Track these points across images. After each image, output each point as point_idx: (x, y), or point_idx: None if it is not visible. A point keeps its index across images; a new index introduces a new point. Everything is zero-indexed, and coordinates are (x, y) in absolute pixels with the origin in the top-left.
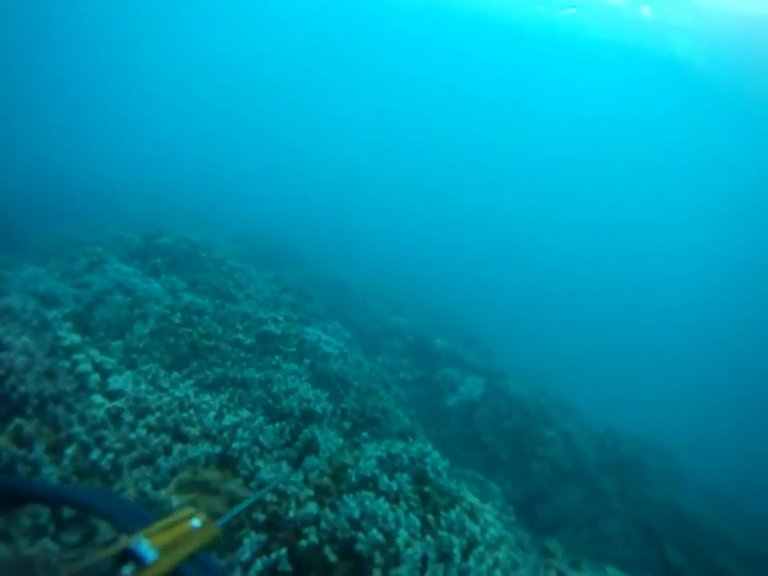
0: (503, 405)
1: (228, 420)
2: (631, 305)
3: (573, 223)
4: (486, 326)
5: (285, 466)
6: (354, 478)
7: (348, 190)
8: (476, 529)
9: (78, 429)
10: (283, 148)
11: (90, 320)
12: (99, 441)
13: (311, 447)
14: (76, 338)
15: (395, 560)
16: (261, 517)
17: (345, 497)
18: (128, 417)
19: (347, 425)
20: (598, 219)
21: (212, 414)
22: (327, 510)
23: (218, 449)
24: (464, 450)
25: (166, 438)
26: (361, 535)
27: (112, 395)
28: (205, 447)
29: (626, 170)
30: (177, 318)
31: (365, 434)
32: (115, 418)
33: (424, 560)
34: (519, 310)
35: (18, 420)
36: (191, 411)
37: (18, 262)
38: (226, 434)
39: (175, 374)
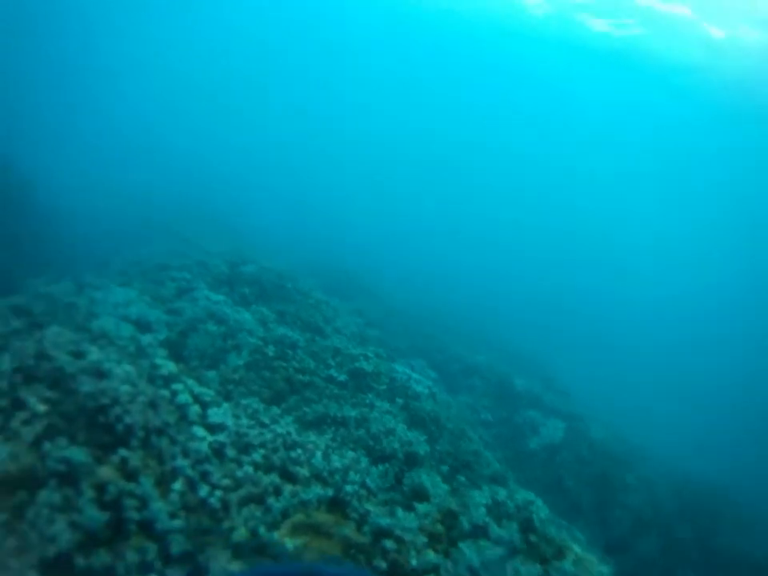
0: (585, 450)
1: (337, 462)
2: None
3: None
4: (549, 352)
5: (400, 512)
6: (466, 526)
7: (394, 213)
8: None
9: (182, 462)
10: (322, 168)
11: (183, 348)
12: (205, 476)
13: (420, 492)
14: (173, 367)
15: None
16: (382, 564)
17: (461, 545)
18: (231, 452)
19: (444, 468)
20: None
21: (319, 453)
22: (447, 559)
23: (329, 491)
24: (545, 494)
25: (275, 478)
26: None
27: (213, 428)
28: (317, 489)
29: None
30: (270, 350)
31: (462, 478)
32: (218, 452)
33: None
34: (571, 332)
35: (123, 451)
36: (299, 451)
37: (105, 283)
38: (338, 477)
39: (275, 409)
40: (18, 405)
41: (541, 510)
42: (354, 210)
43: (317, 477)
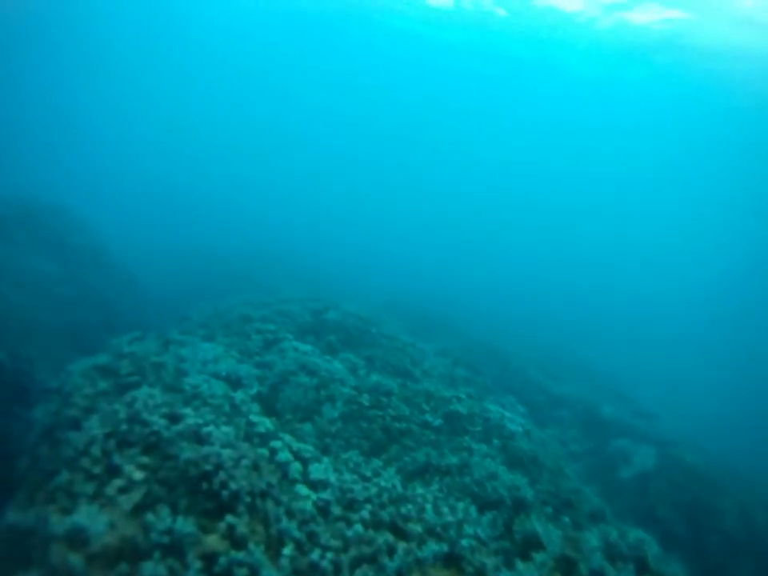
0: (680, 476)
1: (449, 515)
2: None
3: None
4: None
5: (520, 564)
6: (584, 572)
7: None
8: None
9: (288, 524)
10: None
11: (275, 402)
12: (312, 537)
13: (532, 540)
14: (269, 424)
15: None
16: None
17: None
18: (336, 510)
19: (549, 509)
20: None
21: (429, 507)
22: None
23: (444, 547)
24: (640, 524)
25: (387, 536)
26: None
27: (315, 485)
28: (432, 546)
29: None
30: (365, 399)
31: (566, 519)
32: (324, 511)
33: None
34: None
35: (229, 518)
36: (408, 506)
37: (190, 339)
38: (452, 532)
39: (376, 461)
40: (114, 472)
41: (653, 548)
42: (420, 244)
43: (430, 532)
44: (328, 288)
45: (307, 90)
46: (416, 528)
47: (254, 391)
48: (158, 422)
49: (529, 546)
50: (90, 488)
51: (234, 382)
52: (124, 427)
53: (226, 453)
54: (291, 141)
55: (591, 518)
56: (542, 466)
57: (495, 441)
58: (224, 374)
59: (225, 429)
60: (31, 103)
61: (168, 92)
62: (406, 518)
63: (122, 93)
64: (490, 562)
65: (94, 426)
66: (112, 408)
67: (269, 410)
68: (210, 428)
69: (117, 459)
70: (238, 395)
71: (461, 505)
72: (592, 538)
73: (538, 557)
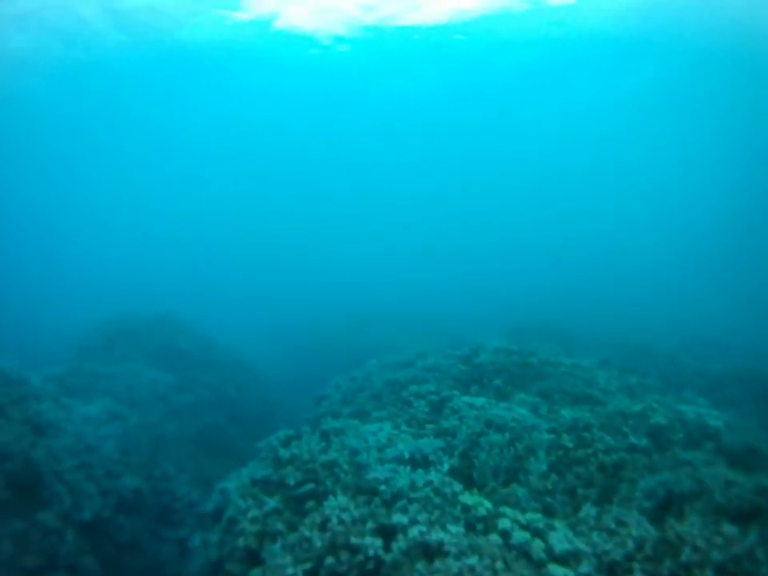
0: None
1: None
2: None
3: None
4: None
5: None
6: None
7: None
8: None
9: None
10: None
11: (472, 470)
12: None
13: None
14: (487, 503)
15: None
16: None
17: None
18: None
19: None
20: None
21: (702, 543)
22: None
23: None
24: None
25: None
26: None
27: (566, 560)
28: None
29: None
30: (567, 440)
31: None
32: None
33: None
34: None
35: None
36: (687, 551)
37: (347, 423)
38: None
39: (614, 509)
40: None
41: None
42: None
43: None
44: (441, 329)
45: None
46: (707, 574)
47: (446, 467)
48: (371, 542)
49: None
50: None
51: (421, 462)
52: (329, 560)
53: (473, 562)
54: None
55: None
56: (761, 455)
57: (707, 444)
58: (407, 456)
59: (452, 529)
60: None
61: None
62: (689, 566)
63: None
64: None
65: (286, 563)
66: (301, 535)
67: (467, 481)
68: (438, 534)
69: None
70: (434, 477)
71: (728, 529)
72: None
73: None
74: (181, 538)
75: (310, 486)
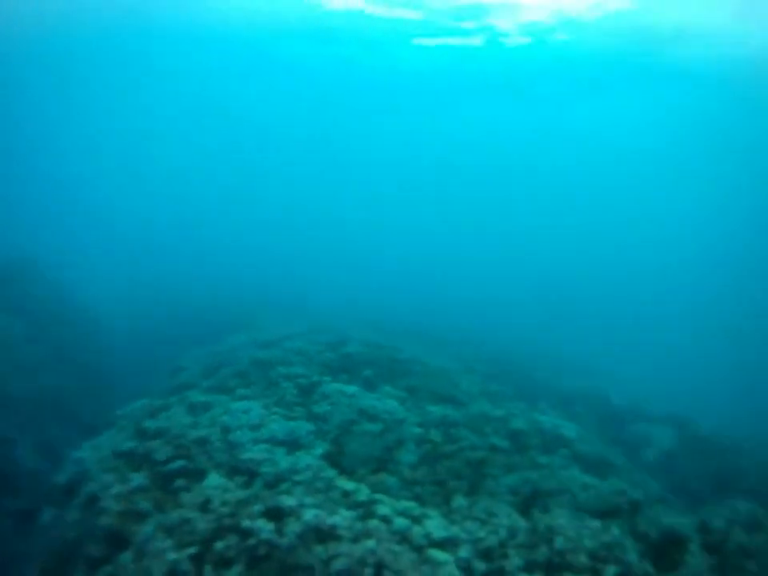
0: (701, 448)
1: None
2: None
3: None
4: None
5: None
6: None
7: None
8: None
9: None
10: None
11: (342, 457)
12: None
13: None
14: (365, 489)
15: None
16: None
17: None
18: (480, 565)
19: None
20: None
21: (573, 533)
22: None
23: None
24: (677, 497)
25: None
26: None
27: (443, 545)
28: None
29: None
30: (435, 435)
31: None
32: (468, 570)
33: None
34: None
35: None
36: (560, 539)
37: (216, 398)
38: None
39: (482, 500)
40: None
41: None
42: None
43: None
44: (302, 312)
45: None
46: (581, 558)
47: (319, 451)
48: (263, 526)
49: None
50: None
51: (294, 444)
52: (219, 544)
53: (372, 545)
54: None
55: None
56: (611, 464)
57: (562, 450)
58: (280, 436)
59: (345, 513)
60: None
61: None
62: (563, 552)
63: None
64: None
65: (165, 547)
66: (180, 516)
67: (338, 468)
68: (335, 518)
69: None
70: (311, 461)
71: (593, 523)
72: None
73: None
74: (21, 510)
75: (181, 462)
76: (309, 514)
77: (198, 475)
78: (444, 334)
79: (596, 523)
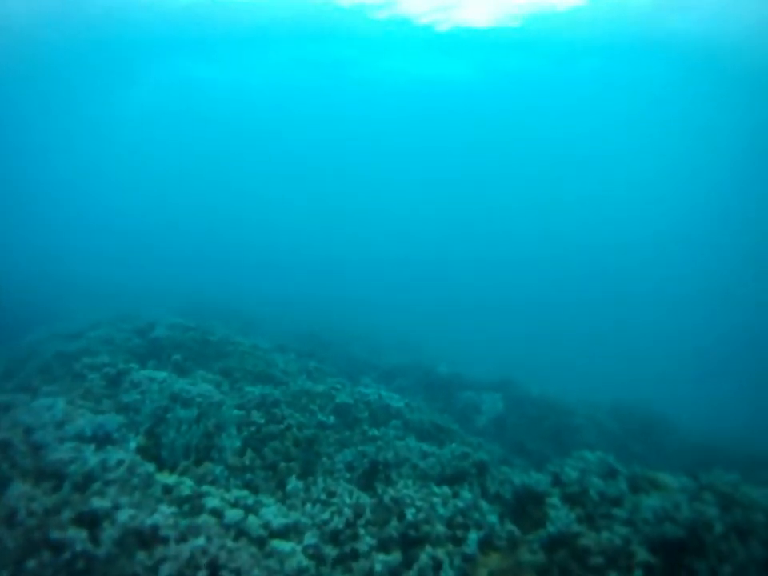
0: (529, 409)
1: (455, 502)
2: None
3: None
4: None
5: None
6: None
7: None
8: None
9: None
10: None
11: (161, 449)
12: None
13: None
14: (189, 482)
15: None
16: None
17: None
18: (332, 551)
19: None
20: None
21: (421, 503)
22: None
23: (483, 533)
24: (516, 457)
25: (416, 551)
26: None
27: (285, 533)
28: (474, 535)
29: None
30: (257, 417)
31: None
32: (319, 557)
33: None
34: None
35: None
36: (412, 510)
37: (17, 398)
38: (475, 514)
39: (319, 480)
40: None
41: None
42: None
43: (453, 524)
44: (108, 301)
45: None
46: (438, 528)
47: (133, 445)
48: (76, 535)
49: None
50: None
51: (104, 439)
52: (31, 563)
53: (202, 543)
54: None
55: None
56: (443, 429)
57: (394, 421)
58: (90, 433)
59: (166, 510)
60: None
61: None
62: (417, 524)
63: None
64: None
65: None
66: None
67: (159, 462)
68: (154, 517)
69: None
70: (125, 456)
71: (441, 490)
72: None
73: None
74: None
75: None
76: (124, 516)
77: (1, 485)
78: (254, 314)
79: (444, 489)
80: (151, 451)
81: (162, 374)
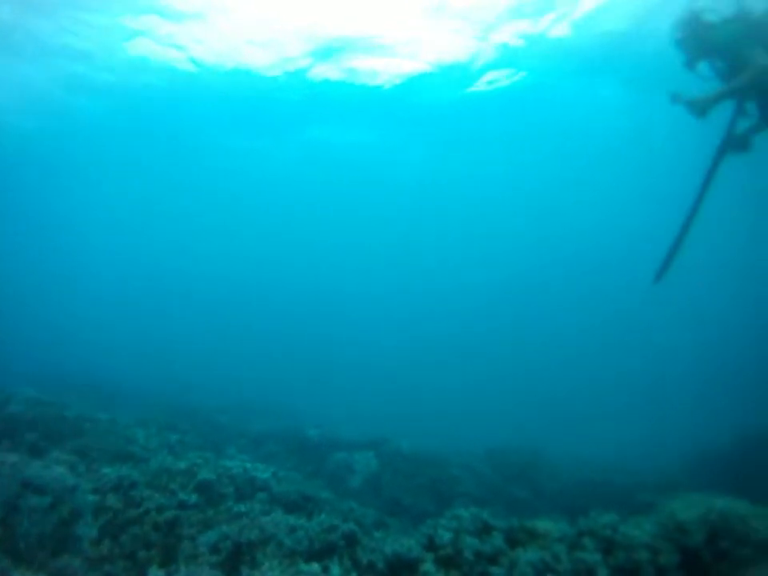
0: (403, 465)
1: None
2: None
3: None
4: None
5: None
6: None
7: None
8: None
9: None
10: None
11: (14, 541)
12: None
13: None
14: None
15: None
16: None
17: None
18: None
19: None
20: None
21: None
22: None
23: None
24: (391, 518)
25: None
26: None
27: None
28: None
29: None
30: (114, 501)
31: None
32: None
33: None
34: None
35: None
36: None
37: None
38: None
39: (185, 567)
40: None
41: None
42: None
43: None
44: None
45: None
46: None
47: None
48: None
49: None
50: None
51: None
52: None
53: None
54: None
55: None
56: (310, 499)
57: (260, 495)
58: None
59: None
60: None
61: None
62: None
63: None
64: None
65: None
66: None
67: (11, 554)
68: None
69: None
70: None
71: (310, 567)
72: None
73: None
74: None
75: None
76: None
77: None
78: (116, 388)
79: (313, 567)
80: (5, 543)
81: (13, 458)
